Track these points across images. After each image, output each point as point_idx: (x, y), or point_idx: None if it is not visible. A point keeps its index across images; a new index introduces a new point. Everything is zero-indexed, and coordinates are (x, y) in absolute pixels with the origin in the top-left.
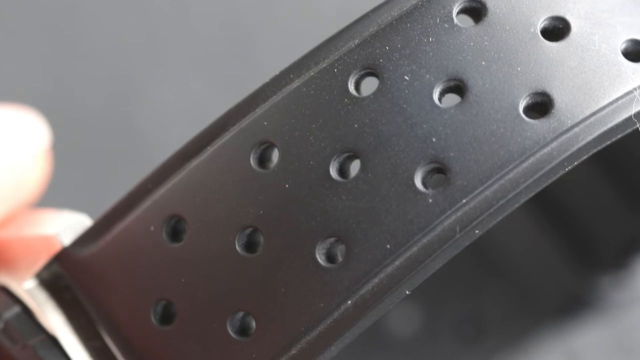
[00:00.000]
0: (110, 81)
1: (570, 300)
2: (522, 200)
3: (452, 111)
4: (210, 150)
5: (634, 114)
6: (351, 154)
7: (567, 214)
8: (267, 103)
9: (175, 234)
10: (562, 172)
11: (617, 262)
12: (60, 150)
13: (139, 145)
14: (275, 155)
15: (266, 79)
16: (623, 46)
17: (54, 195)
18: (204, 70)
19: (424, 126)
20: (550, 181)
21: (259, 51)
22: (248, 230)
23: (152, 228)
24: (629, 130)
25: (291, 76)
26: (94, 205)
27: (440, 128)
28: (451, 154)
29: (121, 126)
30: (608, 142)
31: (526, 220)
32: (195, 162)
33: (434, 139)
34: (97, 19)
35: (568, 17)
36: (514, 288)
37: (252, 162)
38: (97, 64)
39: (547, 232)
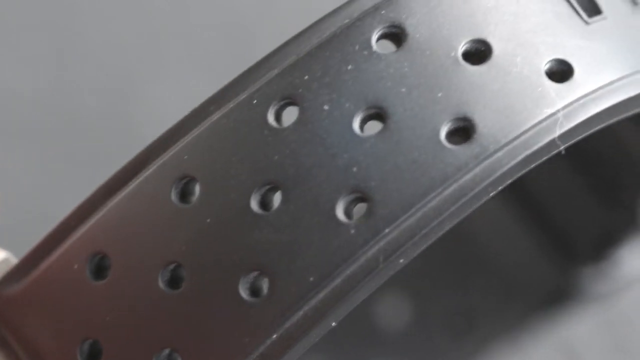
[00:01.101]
0: (109, 81)
1: (555, 293)
2: (447, 227)
3: (372, 140)
4: (132, 185)
5: (557, 137)
6: (272, 186)
7: (545, 210)
8: (187, 136)
9: (99, 271)
10: (486, 198)
11: (597, 254)
12: (58, 150)
13: (139, 146)
14: (198, 189)
15: None
16: (547, 66)
17: (53, 197)
18: (204, 70)
19: (345, 156)
20: (475, 207)
21: (259, 51)
22: (171, 266)
23: (75, 266)
24: (554, 153)
25: (211, 108)
26: None
27: (361, 157)
28: (372, 184)
29: (120, 126)
30: (533, 165)
31: (507, 216)
32: (117, 198)
33: (355, 169)
34: (95, 19)
35: (489, 40)
36: (499, 282)
37: (174, 196)
38: (96, 64)
39: (527, 227)
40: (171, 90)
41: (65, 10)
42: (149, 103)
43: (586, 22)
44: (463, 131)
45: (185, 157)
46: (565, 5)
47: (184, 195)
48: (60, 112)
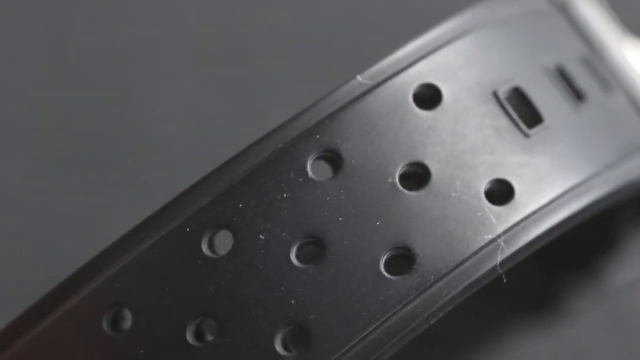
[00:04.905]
0: (103, 82)
1: (530, 302)
2: (388, 356)
3: (310, 271)
4: (58, 313)
5: (499, 263)
6: (208, 317)
7: None
8: (116, 263)
9: None
10: (427, 326)
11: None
12: (54, 152)
13: (133, 147)
14: (130, 317)
15: (261, 80)
16: (487, 187)
17: (51, 199)
18: (198, 71)
19: (282, 288)
20: (416, 334)
21: (254, 52)
22: None
23: None
24: (494, 277)
25: (141, 235)
26: (89, 207)
27: (298, 289)
28: (311, 316)
29: (114, 128)
30: (474, 290)
31: None
32: (42, 326)
33: (292, 301)
34: (92, 20)
35: (427, 162)
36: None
37: (105, 325)
38: (92, 65)
39: None
40: (168, 92)
41: (61, 10)
42: (144, 105)
43: (526, 135)
44: (403, 261)
45: (117, 285)
46: (504, 118)
47: (116, 322)
48: (55, 113)
